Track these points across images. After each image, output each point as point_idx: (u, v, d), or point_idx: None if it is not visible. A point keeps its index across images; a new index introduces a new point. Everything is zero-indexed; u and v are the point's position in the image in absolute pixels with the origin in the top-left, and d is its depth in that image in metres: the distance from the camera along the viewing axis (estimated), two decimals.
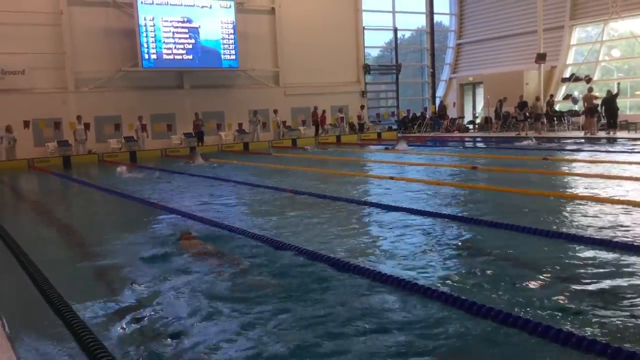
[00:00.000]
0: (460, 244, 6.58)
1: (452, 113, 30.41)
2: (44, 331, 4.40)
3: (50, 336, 4.28)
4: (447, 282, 5.17)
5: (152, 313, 4.57)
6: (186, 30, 24.66)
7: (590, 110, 21.90)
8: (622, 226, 6.84)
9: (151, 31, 23.85)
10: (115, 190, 12.73)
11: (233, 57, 25.61)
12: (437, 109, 30.87)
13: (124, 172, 15.51)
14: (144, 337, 4.13)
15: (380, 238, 7.11)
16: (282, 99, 27.39)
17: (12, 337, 4.06)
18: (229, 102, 26.14)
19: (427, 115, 30.50)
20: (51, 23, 22.57)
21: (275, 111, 26.62)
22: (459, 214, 8.14)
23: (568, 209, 8.25)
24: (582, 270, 5.27)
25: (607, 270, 5.23)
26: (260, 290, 4.93)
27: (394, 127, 30.39)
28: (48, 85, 22.74)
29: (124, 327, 4.32)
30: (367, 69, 30.22)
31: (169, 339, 4.08)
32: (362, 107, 29.10)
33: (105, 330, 4.25)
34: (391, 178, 12.41)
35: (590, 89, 22.85)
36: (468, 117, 30.33)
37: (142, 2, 23.56)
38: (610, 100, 21.40)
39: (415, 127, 29.70)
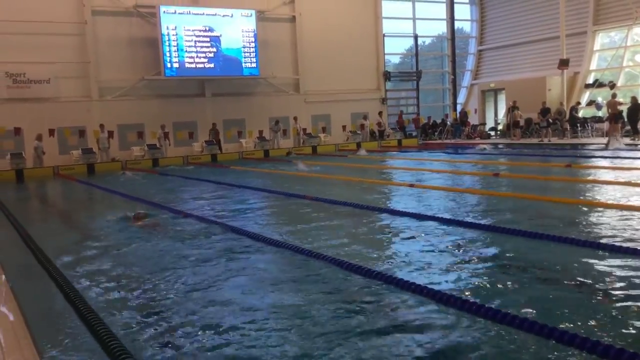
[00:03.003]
0: (479, 252, 6.55)
1: (473, 120, 30.22)
2: (68, 333, 4.50)
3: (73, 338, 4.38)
4: (468, 289, 5.16)
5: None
6: (208, 39, 24.93)
7: (615, 117, 21.61)
8: None
9: (173, 40, 24.16)
10: (130, 195, 13.24)
11: (254, 65, 25.80)
12: (458, 115, 30.71)
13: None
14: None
15: (392, 243, 7.12)
16: (303, 106, 27.50)
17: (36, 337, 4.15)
18: (250, 110, 26.32)
19: (448, 122, 30.35)
20: (76, 33, 22.98)
21: (295, 118, 26.75)
22: (482, 222, 8.09)
23: (590, 216, 8.16)
24: (608, 278, 5.22)
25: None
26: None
27: (414, 133, 30.29)
28: (73, 93, 23.14)
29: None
30: (387, 76, 30.20)
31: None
32: (380, 113, 29.02)
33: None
34: (411, 185, 12.39)
35: (614, 95, 22.55)
36: (490, 123, 30.11)
37: (164, 12, 23.89)
38: (634, 108, 21.11)
39: (436, 133, 29.58)
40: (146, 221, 9.14)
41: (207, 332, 4.46)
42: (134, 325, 4.68)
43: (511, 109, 25.70)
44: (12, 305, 4.98)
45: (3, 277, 6.10)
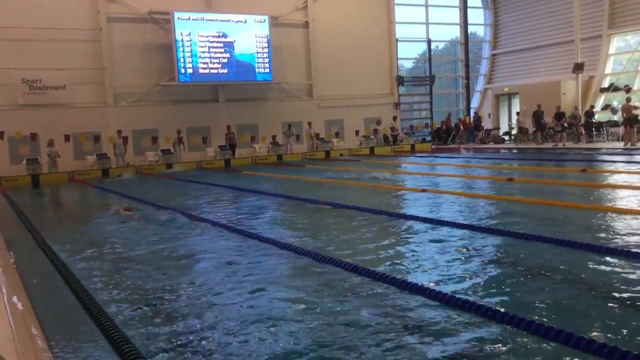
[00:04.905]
0: (501, 257, 6.51)
1: (487, 124, 30.09)
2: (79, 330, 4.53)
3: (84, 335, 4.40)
4: (482, 293, 5.12)
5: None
6: (221, 45, 25.06)
7: (630, 121, 21.41)
8: None
9: (187, 46, 24.31)
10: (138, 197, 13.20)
11: (267, 70, 25.89)
12: (472, 120, 30.59)
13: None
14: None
15: (405, 247, 7.09)
16: (315, 111, 27.53)
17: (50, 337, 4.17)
18: (263, 115, 26.41)
19: (461, 126, 30.22)
20: (91, 39, 23.21)
21: (309, 123, 26.78)
22: (497, 227, 8.03)
23: (607, 221, 8.07)
24: (624, 284, 5.16)
25: None
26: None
27: (428, 138, 30.21)
28: (88, 99, 23.35)
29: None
30: (400, 80, 30.17)
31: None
32: (395, 118, 29.06)
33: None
34: (424, 190, 12.33)
35: (629, 99, 22.36)
36: (504, 128, 29.95)
37: (178, 18, 24.06)
38: None
39: (450, 138, 29.48)
40: (131, 213, 11.02)
41: (215, 333, 4.46)
42: (147, 327, 4.69)
43: (533, 114, 25.42)
44: (24, 304, 5.02)
45: (16, 276, 6.16)
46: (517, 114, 27.37)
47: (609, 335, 4.03)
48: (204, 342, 4.33)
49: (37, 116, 22.04)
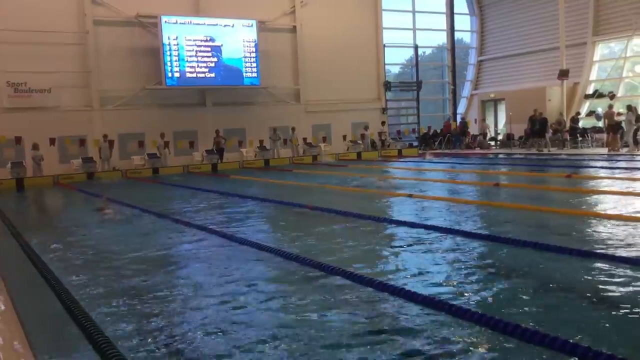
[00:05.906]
0: (482, 261, 6.54)
1: (473, 130, 30.27)
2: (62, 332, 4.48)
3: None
4: (467, 298, 5.14)
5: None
6: (209, 49, 25.01)
7: (612, 127, 21.65)
8: None
9: (175, 50, 24.23)
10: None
11: (255, 74, 25.86)
12: (457, 125, 30.74)
13: None
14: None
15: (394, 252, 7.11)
16: (303, 116, 27.55)
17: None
18: (251, 119, 26.35)
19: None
20: (77, 42, 23.05)
21: (293, 129, 26.66)
22: (480, 231, 8.08)
23: (591, 227, 8.14)
24: (606, 287, 5.20)
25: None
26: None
27: (415, 143, 30.33)
28: (74, 103, 23.15)
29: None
30: (387, 85, 30.28)
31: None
32: (383, 123, 29.16)
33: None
34: (410, 195, 12.36)
35: (610, 106, 22.63)
36: (489, 133, 30.13)
37: (166, 22, 23.98)
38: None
39: (436, 143, 29.62)
40: (108, 211, 11.56)
41: (193, 334, 4.44)
42: (129, 329, 4.66)
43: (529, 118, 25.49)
44: (7, 306, 4.97)
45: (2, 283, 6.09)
46: (483, 120, 29.48)
47: (595, 338, 4.06)
48: (183, 344, 4.31)
49: (22, 119, 21.82)
